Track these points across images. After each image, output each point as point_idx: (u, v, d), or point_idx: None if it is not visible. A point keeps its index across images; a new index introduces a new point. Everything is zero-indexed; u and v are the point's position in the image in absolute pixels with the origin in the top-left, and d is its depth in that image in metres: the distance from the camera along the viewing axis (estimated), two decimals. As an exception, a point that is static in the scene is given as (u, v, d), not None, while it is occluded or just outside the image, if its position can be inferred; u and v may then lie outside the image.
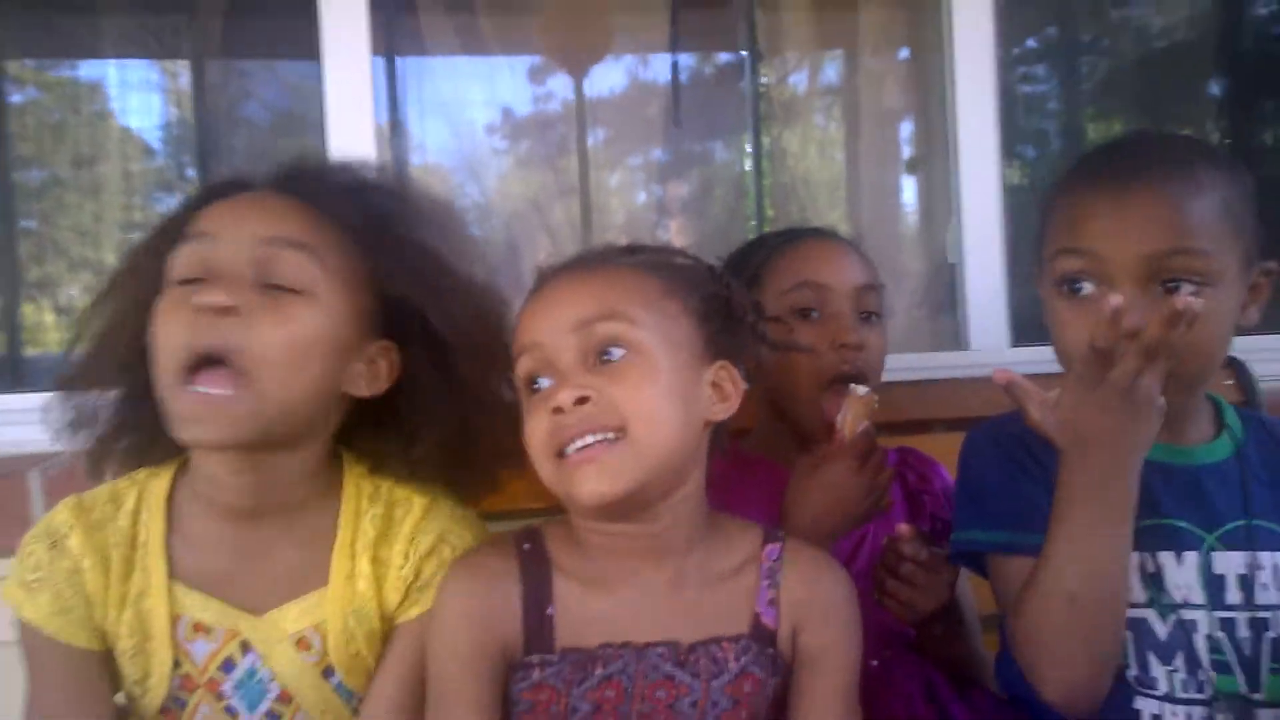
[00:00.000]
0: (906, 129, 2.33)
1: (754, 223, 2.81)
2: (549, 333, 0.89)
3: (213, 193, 0.99)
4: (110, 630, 0.98)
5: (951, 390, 1.53)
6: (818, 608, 0.94)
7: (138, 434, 0.99)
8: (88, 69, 2.59)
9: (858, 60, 2.41)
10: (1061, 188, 1.05)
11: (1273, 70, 2.43)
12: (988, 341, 1.72)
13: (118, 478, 1.02)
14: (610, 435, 0.86)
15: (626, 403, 0.86)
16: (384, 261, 0.98)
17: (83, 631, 0.97)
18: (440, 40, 2.43)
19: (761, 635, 0.93)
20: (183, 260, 0.93)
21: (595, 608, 0.92)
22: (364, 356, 0.99)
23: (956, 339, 1.77)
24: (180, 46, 2.47)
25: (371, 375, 1.00)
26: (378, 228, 0.98)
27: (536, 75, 2.77)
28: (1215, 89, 2.48)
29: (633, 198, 2.81)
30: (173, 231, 0.96)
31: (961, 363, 1.66)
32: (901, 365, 1.65)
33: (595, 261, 0.96)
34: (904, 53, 2.30)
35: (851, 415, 1.07)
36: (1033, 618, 0.94)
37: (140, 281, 0.97)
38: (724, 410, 0.93)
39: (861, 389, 1.07)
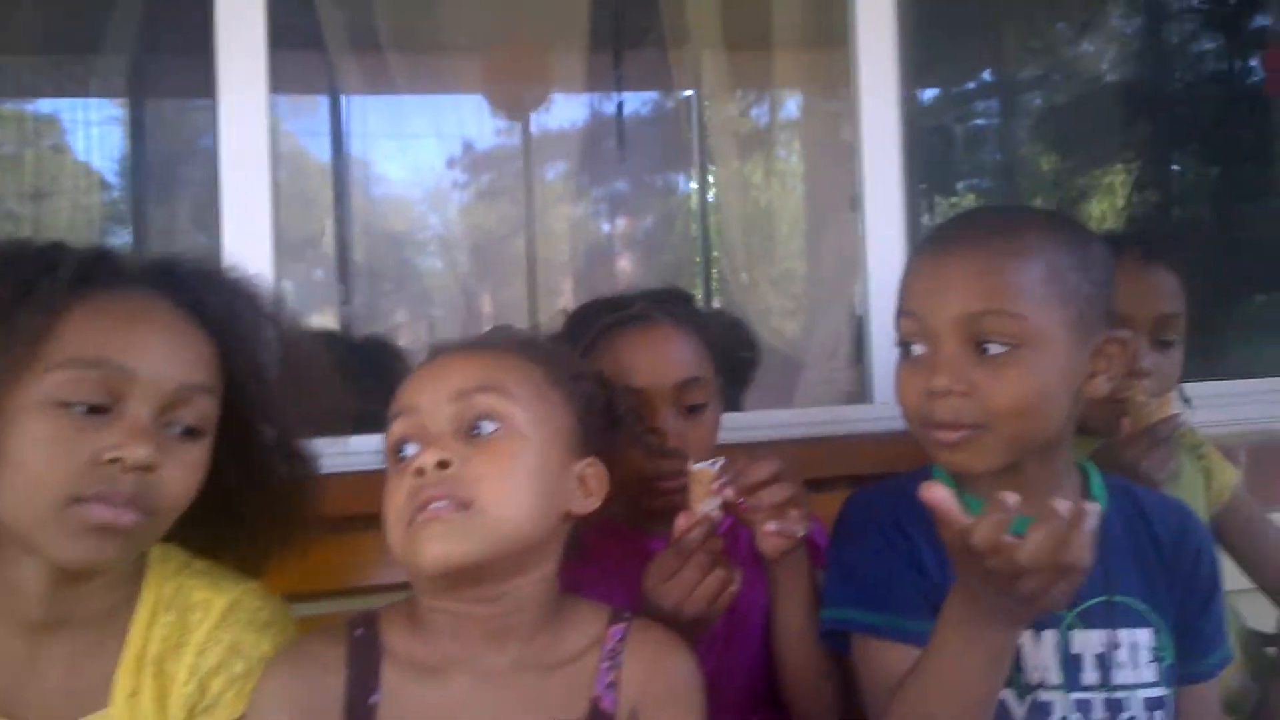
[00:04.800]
0: (837, 175, 2.33)
1: (700, 259, 2.81)
2: (428, 397, 0.90)
3: (84, 270, 0.90)
4: None
5: (857, 446, 1.50)
6: (657, 690, 0.92)
7: None
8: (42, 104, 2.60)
9: (798, 100, 2.41)
10: (912, 254, 1.06)
11: (1187, 114, 2.45)
12: (892, 394, 1.70)
13: None
14: (461, 504, 0.85)
15: (485, 478, 0.86)
16: (237, 376, 0.95)
17: None
18: (392, 79, 2.43)
19: (598, 719, 0.90)
20: (73, 386, 0.85)
21: (426, 697, 0.89)
22: None
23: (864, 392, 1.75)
24: (120, 84, 2.47)
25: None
26: (244, 346, 0.96)
27: (485, 114, 2.78)
28: (1135, 131, 2.50)
29: (581, 233, 2.81)
30: (30, 329, 0.85)
31: (867, 416, 1.64)
32: (811, 420, 1.64)
33: (487, 342, 0.98)
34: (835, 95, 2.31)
35: (693, 497, 1.02)
36: None
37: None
38: (585, 506, 0.94)
39: (702, 465, 1.02)
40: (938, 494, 0.82)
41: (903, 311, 1.01)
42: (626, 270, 2.82)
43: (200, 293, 0.95)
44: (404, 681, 0.90)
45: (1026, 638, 0.98)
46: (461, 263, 2.87)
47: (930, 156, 2.41)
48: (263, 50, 1.59)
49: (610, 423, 1.02)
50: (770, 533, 1.00)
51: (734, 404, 1.54)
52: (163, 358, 0.89)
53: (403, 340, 2.70)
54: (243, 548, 1.04)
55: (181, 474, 0.89)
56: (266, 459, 1.00)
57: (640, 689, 0.92)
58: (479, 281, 2.80)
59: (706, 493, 1.00)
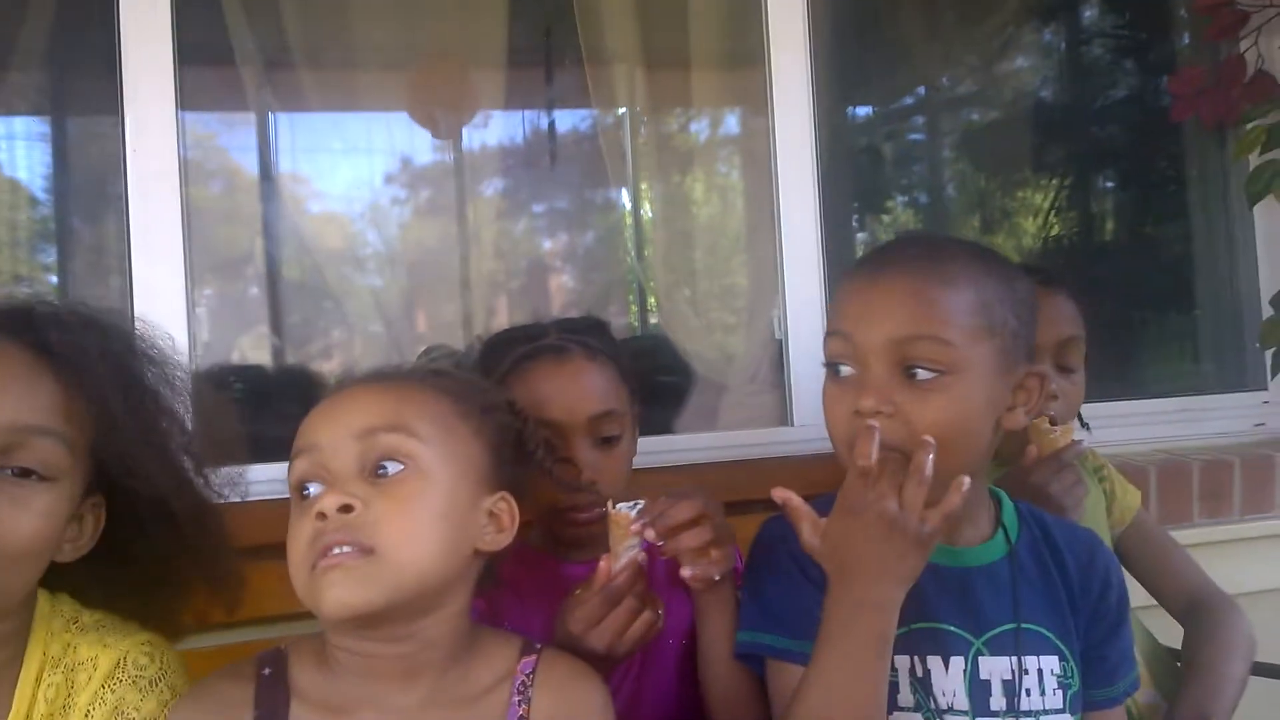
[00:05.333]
0: (758, 198, 2.35)
1: (633, 280, 2.81)
2: (329, 436, 0.87)
3: None
4: None
5: (777, 468, 1.50)
6: None
7: None
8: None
9: (730, 118, 2.42)
10: (843, 275, 1.08)
11: (1105, 136, 2.52)
12: (811, 417, 1.72)
13: None
14: (363, 550, 0.83)
15: (387, 522, 0.84)
16: (112, 425, 0.91)
17: None
18: (317, 97, 2.39)
19: None
20: None
21: None
22: (76, 519, 0.93)
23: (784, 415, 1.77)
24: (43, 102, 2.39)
25: (76, 535, 0.94)
26: (114, 393, 0.91)
27: (417, 131, 2.75)
28: (1048, 156, 2.56)
29: (516, 251, 2.79)
30: None
31: (788, 439, 1.66)
32: (732, 443, 1.65)
33: (393, 376, 0.95)
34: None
35: (612, 539, 1.01)
36: None
37: None
38: (497, 541, 0.92)
39: (620, 507, 1.01)
40: (782, 494, 0.94)
41: (832, 332, 1.01)
42: (563, 287, 2.80)
43: (53, 337, 0.91)
44: None
45: (936, 663, 0.99)
46: (395, 280, 2.83)
47: (851, 176, 2.44)
48: (170, 66, 1.56)
49: (523, 454, 1.00)
50: (689, 576, 1.00)
51: (665, 425, 1.53)
52: None
53: (335, 359, 2.64)
54: (149, 596, 1.00)
55: (13, 518, 0.84)
56: (159, 502, 0.96)
57: None
58: (413, 299, 2.77)
59: (626, 534, 0.99)
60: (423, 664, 0.89)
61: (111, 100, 1.62)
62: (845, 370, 0.99)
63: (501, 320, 2.55)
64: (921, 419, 0.93)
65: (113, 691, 0.92)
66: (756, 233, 2.04)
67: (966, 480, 0.90)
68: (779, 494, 0.95)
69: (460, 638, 0.91)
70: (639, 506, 1.00)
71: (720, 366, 2.05)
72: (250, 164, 2.79)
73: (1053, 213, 2.45)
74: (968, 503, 1.00)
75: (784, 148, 1.71)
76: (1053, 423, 1.32)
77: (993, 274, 1.00)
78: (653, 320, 2.32)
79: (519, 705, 0.91)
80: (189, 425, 0.99)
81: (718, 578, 1.01)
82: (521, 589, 1.13)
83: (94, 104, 2.29)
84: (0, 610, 0.89)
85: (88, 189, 2.61)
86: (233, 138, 2.75)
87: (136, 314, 1.04)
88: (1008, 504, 1.10)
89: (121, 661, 0.93)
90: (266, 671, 0.90)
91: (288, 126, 2.65)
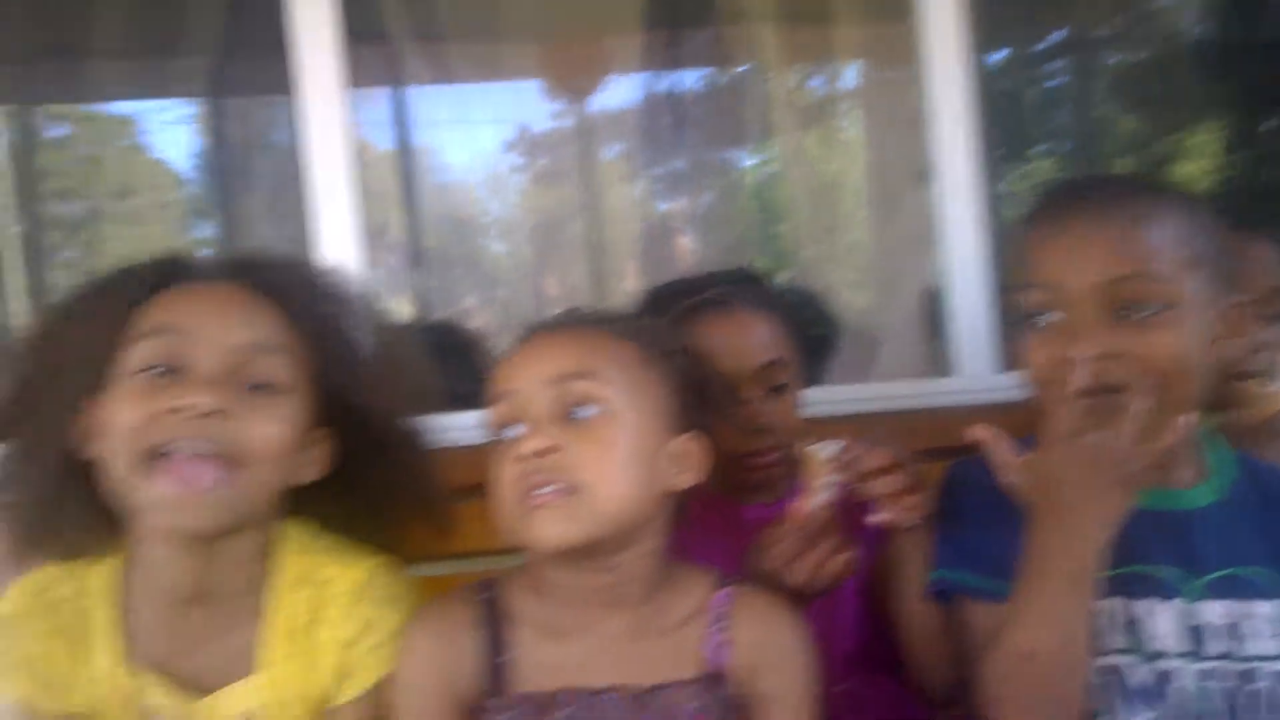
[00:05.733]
0: (905, 146, 2.30)
1: (762, 235, 2.80)
2: (525, 382, 0.92)
3: (161, 277, 0.99)
4: (82, 707, 0.99)
5: (939, 419, 1.50)
6: (768, 651, 0.96)
7: (73, 515, 0.98)
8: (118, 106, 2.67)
9: (860, 71, 2.38)
10: (1025, 223, 1.05)
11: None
12: (975, 367, 1.69)
13: (48, 560, 1.02)
14: (568, 489, 0.88)
15: (588, 463, 0.89)
16: (329, 356, 0.99)
17: (64, 705, 0.98)
18: (452, 67, 2.46)
19: (713, 679, 0.94)
20: (149, 353, 0.93)
21: (551, 655, 0.94)
22: (309, 445, 1.00)
23: (945, 365, 1.74)
24: (196, 84, 2.53)
25: (311, 462, 1.01)
26: (324, 323, 1.00)
27: (545, 97, 2.79)
28: (1228, 87, 2.40)
29: (642, 212, 2.81)
30: (111, 309, 0.96)
31: (948, 389, 1.64)
32: (890, 394, 1.64)
33: (580, 322, 0.99)
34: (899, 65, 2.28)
35: (808, 478, 1.02)
36: (992, 671, 0.94)
37: (74, 353, 0.97)
38: (685, 481, 0.95)
39: (820, 448, 1.01)
40: (983, 432, 0.94)
41: (1030, 284, 1.00)
42: (690, 248, 2.81)
43: (264, 270, 1.01)
44: (530, 642, 0.95)
45: (1148, 606, 0.98)
46: (526, 247, 2.89)
47: (1002, 122, 2.35)
48: (339, 44, 1.63)
49: (704, 398, 1.02)
50: (883, 521, 1.01)
51: (813, 379, 1.54)
52: (220, 319, 0.95)
53: (475, 323, 2.73)
54: (380, 524, 1.07)
55: (260, 424, 0.92)
56: (381, 434, 1.03)
57: (752, 652, 0.95)
58: (544, 265, 2.83)
59: (821, 474, 1.00)
60: (624, 595, 0.94)
61: (275, 81, 1.69)
62: (1048, 318, 0.98)
63: (631, 283, 2.59)
64: (1139, 358, 0.91)
65: (362, 606, 0.99)
66: (903, 182, 2.01)
67: (1185, 420, 0.88)
68: (978, 431, 0.95)
69: (657, 572, 0.96)
70: (835, 447, 1.01)
71: (872, 318, 2.04)
72: (381, 139, 2.89)
73: (1229, 152, 2.30)
74: (1182, 444, 0.98)
75: (938, 92, 1.67)
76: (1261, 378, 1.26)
77: (1183, 205, 0.99)
78: (795, 277, 2.32)
79: (718, 636, 0.95)
80: (394, 367, 1.07)
81: (909, 523, 1.02)
82: (703, 531, 1.16)
83: (255, 85, 2.41)
84: (250, 521, 0.96)
85: (246, 165, 2.76)
86: (370, 111, 2.84)
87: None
88: (1219, 447, 1.07)
89: (367, 580, 1.01)
90: (484, 597, 0.97)
91: (426, 99, 2.73)
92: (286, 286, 1.00)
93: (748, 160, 2.87)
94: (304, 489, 1.02)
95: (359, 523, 1.06)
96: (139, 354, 0.93)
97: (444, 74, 2.43)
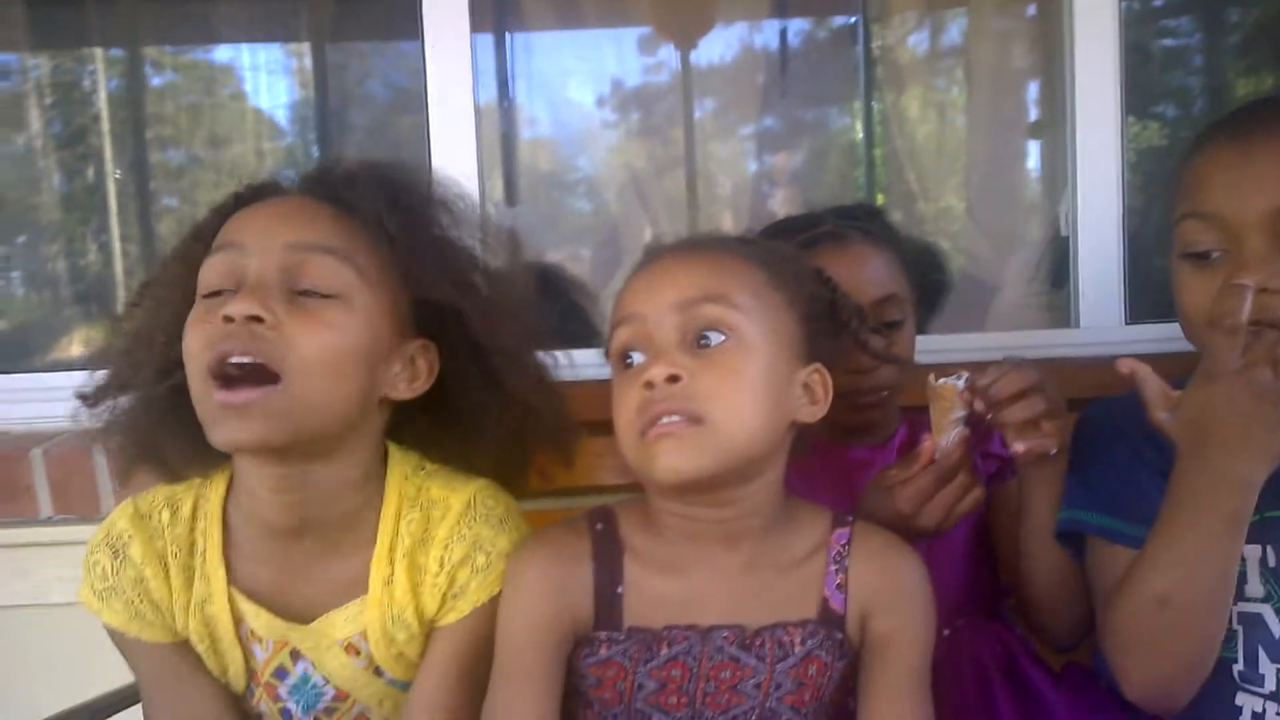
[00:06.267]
0: (1031, 92, 2.21)
1: (863, 194, 2.73)
2: (651, 307, 0.89)
3: (240, 200, 0.98)
4: (182, 632, 1.01)
5: (1059, 370, 1.45)
6: (886, 593, 0.93)
7: (177, 439, 0.98)
8: (220, 52, 2.73)
9: (976, 20, 2.29)
10: (1187, 153, 0.99)
11: None
12: (1100, 319, 1.62)
13: (155, 482, 1.03)
14: (693, 419, 0.85)
15: (715, 393, 0.85)
16: (413, 261, 0.96)
17: (161, 632, 1.00)
18: (546, 16, 2.44)
19: (829, 620, 0.92)
20: (211, 271, 0.92)
21: (664, 589, 0.92)
22: (401, 357, 0.98)
23: (1068, 316, 1.67)
24: (299, 30, 2.57)
25: (410, 376, 0.99)
26: (406, 228, 0.96)
27: (644, 47, 2.76)
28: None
29: (741, 168, 2.77)
30: (204, 239, 0.96)
31: (1072, 341, 1.57)
32: (1009, 344, 1.58)
33: (706, 244, 0.95)
34: (1030, 10, 2.18)
35: (936, 414, 0.97)
36: (1121, 615, 0.90)
37: (172, 289, 0.98)
38: (812, 413, 0.92)
39: (943, 381, 0.97)
40: (1134, 365, 0.90)
41: (1191, 214, 0.95)
42: (795, 204, 2.76)
43: (329, 177, 0.98)
44: (645, 575, 0.93)
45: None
46: (621, 200, 2.88)
47: (1149, 63, 2.24)
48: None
49: (834, 326, 0.98)
50: (1020, 451, 0.96)
51: (934, 326, 1.50)
52: (266, 225, 0.93)
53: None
54: (500, 454, 1.06)
55: (307, 331, 0.88)
56: (492, 352, 1.01)
57: (870, 591, 0.92)
58: (640, 219, 2.81)
59: (952, 408, 0.96)
60: (743, 530, 0.91)
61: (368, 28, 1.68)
62: (1212, 254, 0.93)
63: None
64: None
65: (469, 527, 0.99)
66: (1051, 123, 1.94)
67: None
68: (1126, 364, 0.91)
69: (777, 507, 0.93)
70: (964, 379, 0.96)
71: (995, 266, 1.97)
72: (489, 87, 2.89)
73: None
74: None
75: (1081, 31, 1.60)
76: None
77: None
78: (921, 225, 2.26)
79: (836, 574, 0.92)
80: (506, 283, 1.04)
81: (1052, 450, 0.97)
82: (809, 473, 1.14)
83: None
84: (333, 436, 0.94)
85: (342, 116, 2.80)
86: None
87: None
88: None
89: (471, 501, 1.00)
90: (599, 527, 0.95)
91: (523, 47, 2.72)
92: (353, 190, 0.95)
93: (854, 115, 2.80)
94: (420, 417, 1.02)
95: (476, 452, 1.05)
96: (206, 275, 0.93)
97: (554, 21, 2.41)
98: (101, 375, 1.01)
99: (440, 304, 0.97)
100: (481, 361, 1.01)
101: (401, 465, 1.02)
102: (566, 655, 0.93)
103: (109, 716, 1.14)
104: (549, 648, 0.91)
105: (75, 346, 2.27)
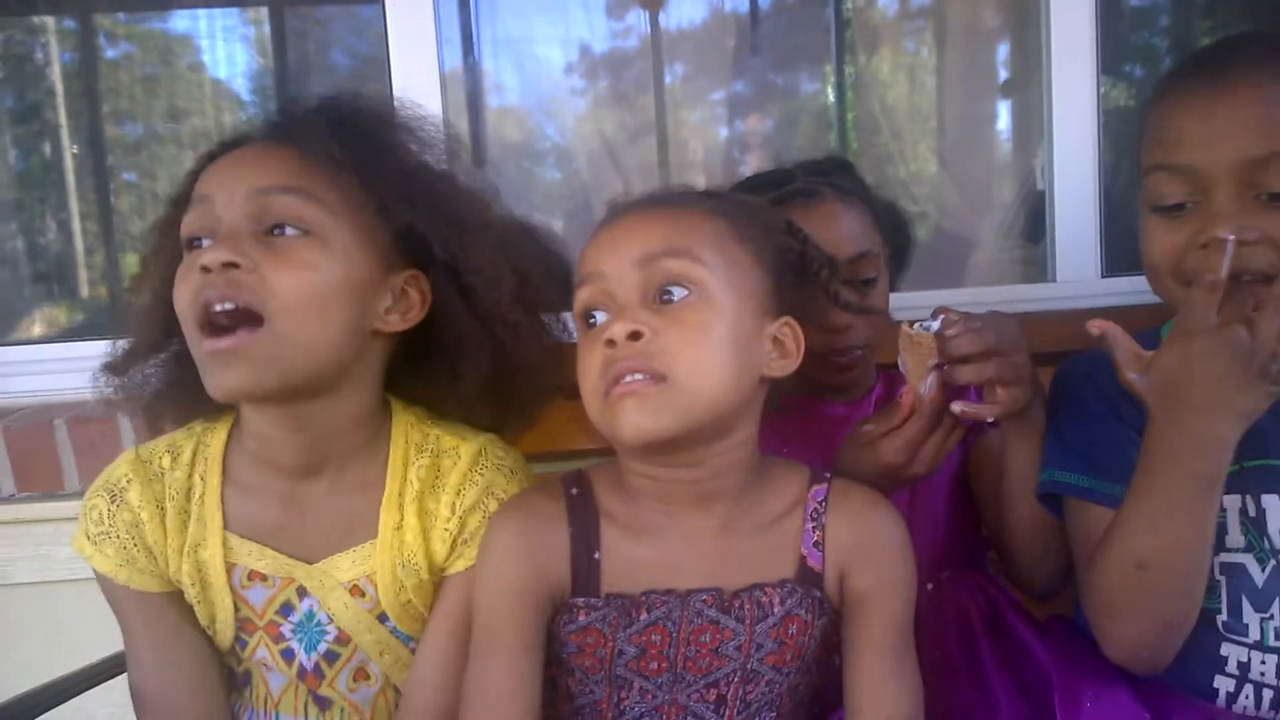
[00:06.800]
0: (1001, 52, 2.19)
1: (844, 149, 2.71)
2: (612, 264, 0.86)
3: (211, 155, 0.98)
4: (174, 578, 1.01)
5: (1036, 324, 1.45)
6: (865, 549, 0.91)
7: (187, 393, 0.99)
8: (177, 20, 2.65)
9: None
10: (1152, 100, 0.97)
11: None
12: (1077, 273, 1.62)
13: (175, 430, 1.05)
14: (656, 376, 0.82)
15: (678, 349, 0.83)
16: (383, 189, 0.94)
17: (152, 579, 1.00)
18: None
19: (807, 578, 0.91)
20: (187, 225, 0.93)
21: (640, 554, 0.91)
22: (390, 290, 0.97)
23: (1045, 270, 1.67)
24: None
25: (403, 308, 0.98)
26: (367, 158, 0.94)
27: (612, 11, 2.72)
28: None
29: (711, 133, 2.74)
30: (182, 200, 0.97)
31: (1048, 295, 1.57)
32: (986, 300, 1.57)
33: (669, 200, 0.93)
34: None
35: (912, 362, 0.95)
36: (1100, 578, 0.90)
37: (165, 255, 0.99)
38: (782, 368, 0.90)
39: (917, 327, 0.94)
40: (1105, 325, 0.87)
41: (1160, 165, 0.93)
42: (767, 168, 2.74)
43: (290, 117, 0.98)
44: (622, 540, 0.91)
45: (1271, 502, 0.92)
46: (592, 168, 2.84)
47: (1128, 18, 2.22)
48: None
49: (804, 278, 0.96)
50: (958, 412, 0.94)
51: (910, 283, 1.48)
52: (231, 173, 0.93)
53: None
54: (516, 404, 1.07)
55: (283, 270, 0.89)
56: (469, 279, 1.00)
57: (848, 548, 0.91)
58: (612, 186, 2.77)
59: (929, 355, 0.93)
60: (716, 490, 0.90)
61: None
62: (1182, 205, 0.91)
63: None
64: None
65: (481, 475, 1.00)
66: (1024, 80, 1.93)
67: None
68: (1097, 325, 0.89)
69: (750, 465, 0.91)
70: (938, 322, 0.93)
71: (971, 223, 1.96)
72: (454, 53, 2.83)
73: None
74: None
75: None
76: None
77: None
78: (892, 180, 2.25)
79: (813, 531, 0.91)
80: (486, 209, 1.03)
81: (988, 418, 0.95)
82: (785, 431, 1.13)
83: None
84: (328, 374, 0.93)
85: (302, 85, 2.74)
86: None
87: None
88: None
89: (483, 450, 1.01)
90: (574, 491, 0.93)
91: (488, 10, 2.67)
92: (311, 128, 0.94)
93: (825, 77, 2.77)
94: (415, 365, 1.02)
95: (462, 390, 1.04)
96: (183, 232, 0.94)
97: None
98: (123, 344, 1.04)
99: (423, 232, 0.96)
100: (467, 299, 1.00)
101: (405, 414, 1.04)
102: (546, 621, 0.91)
103: (73, 696, 1.12)
104: (527, 611, 0.89)
105: (36, 325, 2.21)
